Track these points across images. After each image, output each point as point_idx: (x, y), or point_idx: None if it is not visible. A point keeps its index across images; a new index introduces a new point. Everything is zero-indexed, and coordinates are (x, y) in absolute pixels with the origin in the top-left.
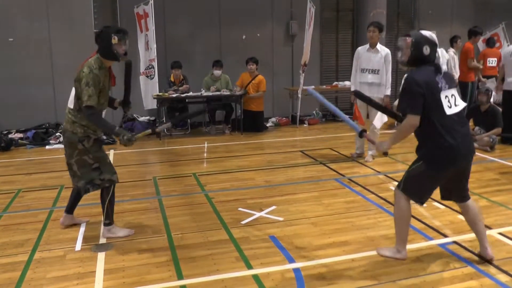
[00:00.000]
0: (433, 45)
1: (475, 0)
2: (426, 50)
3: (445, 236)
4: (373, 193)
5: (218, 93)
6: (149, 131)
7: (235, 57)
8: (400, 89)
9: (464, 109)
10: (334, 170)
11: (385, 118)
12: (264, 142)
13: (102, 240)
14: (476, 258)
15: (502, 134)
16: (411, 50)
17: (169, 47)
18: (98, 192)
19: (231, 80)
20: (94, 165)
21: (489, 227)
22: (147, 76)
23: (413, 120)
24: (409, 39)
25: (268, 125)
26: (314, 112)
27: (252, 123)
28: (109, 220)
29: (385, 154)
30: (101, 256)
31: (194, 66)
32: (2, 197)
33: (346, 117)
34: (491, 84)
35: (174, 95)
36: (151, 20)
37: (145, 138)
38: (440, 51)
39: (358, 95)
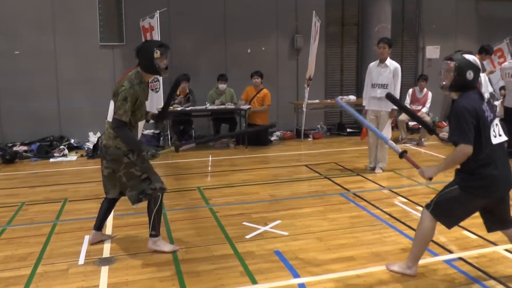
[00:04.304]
0: (476, 70)
1: (479, 15)
2: (470, 75)
3: (450, 252)
4: (378, 208)
5: (222, 106)
6: (172, 149)
7: (240, 71)
8: (449, 116)
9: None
10: (339, 185)
11: (389, 134)
12: (269, 156)
13: (106, 254)
14: (482, 274)
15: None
16: (454, 74)
17: (174, 61)
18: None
19: (236, 94)
20: (142, 176)
21: (495, 244)
22: (152, 90)
23: (466, 149)
24: (452, 63)
25: (272, 139)
26: (318, 126)
27: (257, 137)
28: (155, 231)
29: (430, 179)
30: (104, 270)
31: (199, 79)
32: (5, 210)
33: (386, 137)
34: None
35: (178, 109)
36: (157, 34)
37: None
38: (483, 77)
39: (391, 98)
